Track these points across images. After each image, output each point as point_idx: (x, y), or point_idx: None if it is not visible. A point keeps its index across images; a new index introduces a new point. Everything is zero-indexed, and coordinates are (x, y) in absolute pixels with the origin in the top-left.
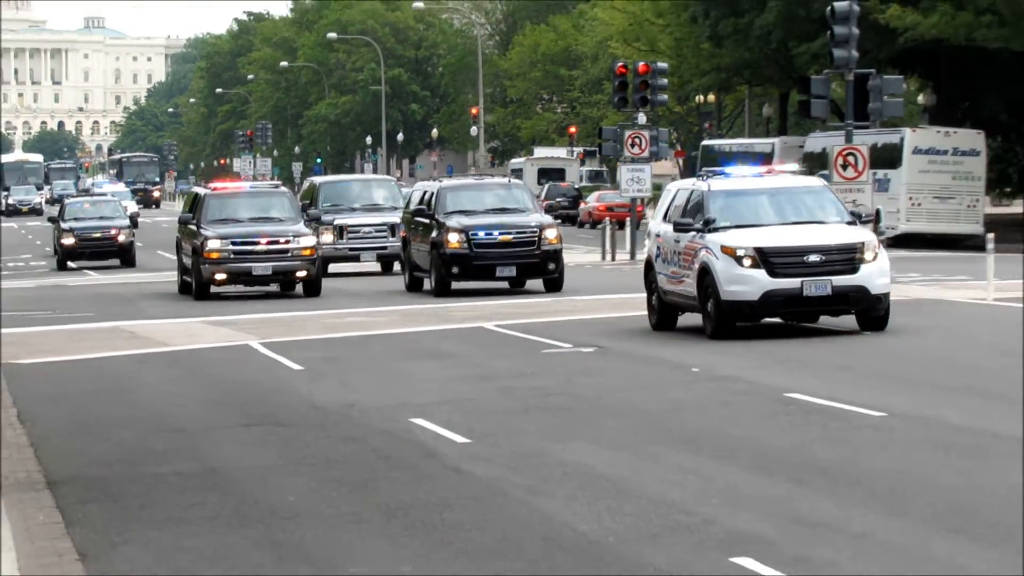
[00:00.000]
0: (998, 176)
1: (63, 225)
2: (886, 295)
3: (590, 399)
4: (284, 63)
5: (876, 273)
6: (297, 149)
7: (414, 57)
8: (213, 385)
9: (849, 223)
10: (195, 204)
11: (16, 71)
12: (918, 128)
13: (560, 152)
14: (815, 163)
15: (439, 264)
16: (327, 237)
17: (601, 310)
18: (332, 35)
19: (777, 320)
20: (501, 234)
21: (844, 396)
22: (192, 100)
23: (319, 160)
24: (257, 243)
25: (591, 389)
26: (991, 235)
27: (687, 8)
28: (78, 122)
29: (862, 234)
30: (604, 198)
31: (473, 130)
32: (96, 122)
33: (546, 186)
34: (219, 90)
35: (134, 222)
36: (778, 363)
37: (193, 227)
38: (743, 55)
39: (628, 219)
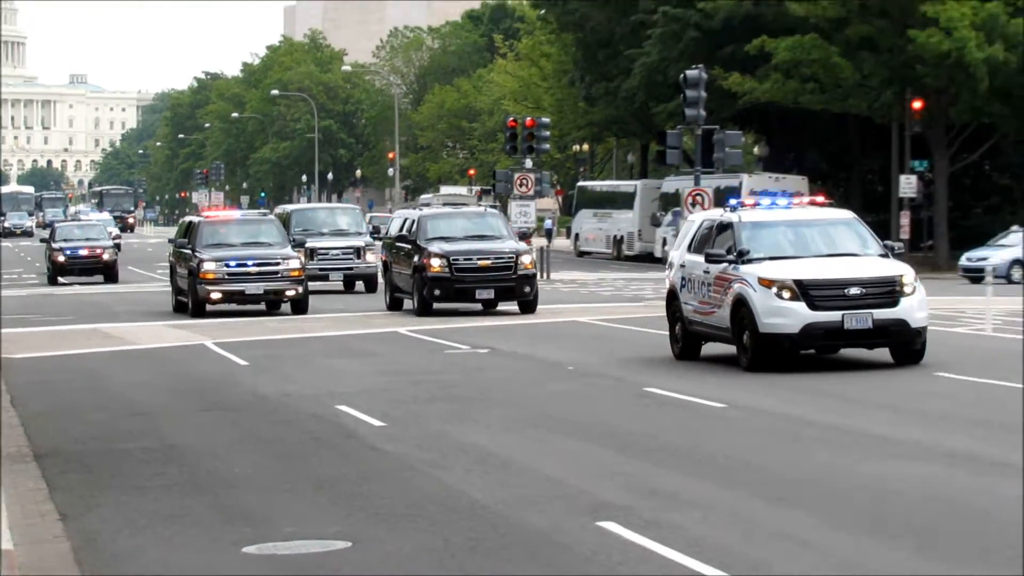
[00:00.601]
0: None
1: (54, 245)
2: (925, 328)
3: (484, 391)
4: (235, 114)
5: (916, 306)
6: (245, 185)
7: (342, 111)
8: (173, 377)
9: (882, 255)
10: (189, 230)
11: (12, 118)
12: (754, 174)
13: (462, 190)
14: (670, 202)
15: (421, 287)
16: None
17: (499, 319)
18: (275, 92)
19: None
20: (480, 259)
21: (691, 390)
22: (159, 144)
23: (263, 194)
24: (248, 264)
25: (485, 383)
26: None
27: (566, 74)
28: (63, 160)
29: (900, 267)
30: None
31: (390, 171)
32: (79, 161)
33: None
34: (181, 136)
35: (117, 245)
36: (636, 363)
37: (188, 251)
38: (612, 113)
39: None
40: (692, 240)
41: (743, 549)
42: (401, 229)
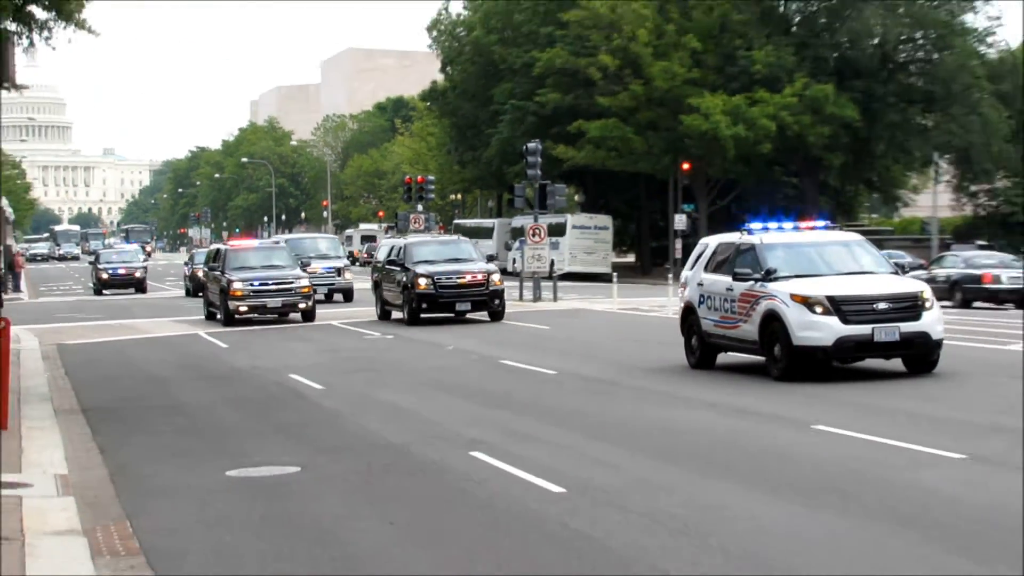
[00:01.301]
0: (618, 240)
1: (99, 266)
2: (942, 340)
3: (390, 364)
4: (217, 175)
5: (936, 320)
6: (224, 224)
7: (291, 172)
8: (176, 356)
9: (892, 273)
10: (218, 256)
11: (64, 179)
12: (575, 214)
13: (374, 227)
14: (518, 233)
15: (411, 301)
16: None
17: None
18: (244, 159)
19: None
20: (458, 278)
21: (532, 361)
22: (164, 195)
23: (237, 230)
24: (269, 284)
25: (391, 358)
26: (615, 274)
27: (445, 146)
28: (99, 208)
29: (919, 284)
30: None
31: (324, 214)
32: (110, 207)
33: (366, 245)
34: (180, 190)
35: (145, 267)
36: (495, 343)
37: (218, 273)
38: (477, 173)
39: None
40: (709, 261)
41: (572, 471)
42: (390, 255)
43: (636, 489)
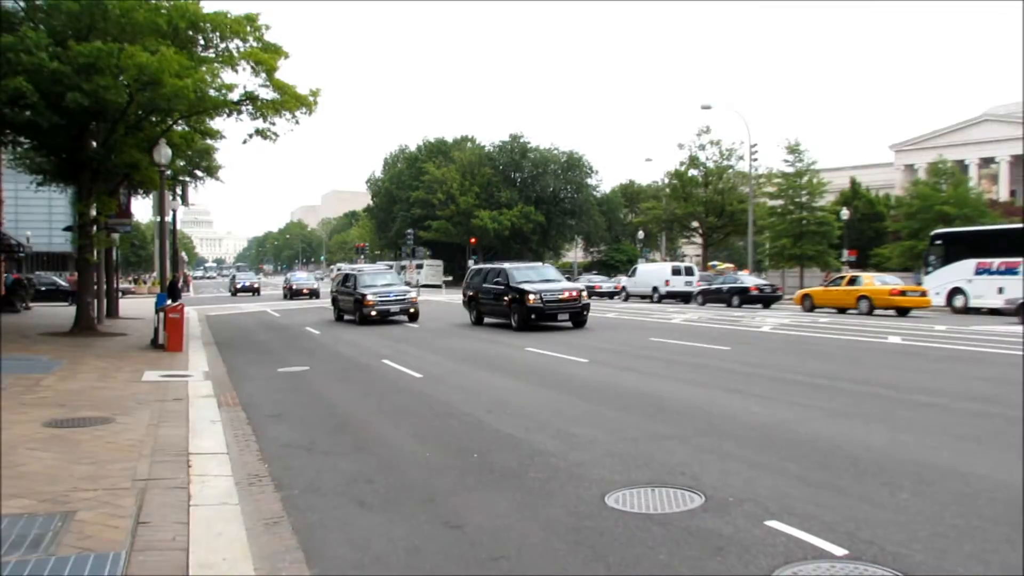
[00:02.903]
0: (445, 270)
1: (235, 282)
2: None
3: (365, 327)
4: (276, 242)
5: None
6: (281, 263)
7: (308, 243)
8: (256, 320)
9: None
10: (347, 278)
11: (209, 244)
12: (428, 259)
13: (343, 264)
14: (404, 268)
15: (523, 312)
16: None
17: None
18: (287, 236)
19: None
20: (559, 295)
21: (410, 321)
22: (252, 252)
23: (284, 266)
24: (390, 296)
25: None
26: (443, 286)
27: (373, 231)
28: (225, 256)
29: None
30: None
31: (322, 260)
32: (230, 256)
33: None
34: (260, 249)
35: (260, 281)
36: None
37: (350, 288)
38: (386, 242)
39: None
40: None
41: (425, 367)
42: (486, 277)
43: (453, 374)
